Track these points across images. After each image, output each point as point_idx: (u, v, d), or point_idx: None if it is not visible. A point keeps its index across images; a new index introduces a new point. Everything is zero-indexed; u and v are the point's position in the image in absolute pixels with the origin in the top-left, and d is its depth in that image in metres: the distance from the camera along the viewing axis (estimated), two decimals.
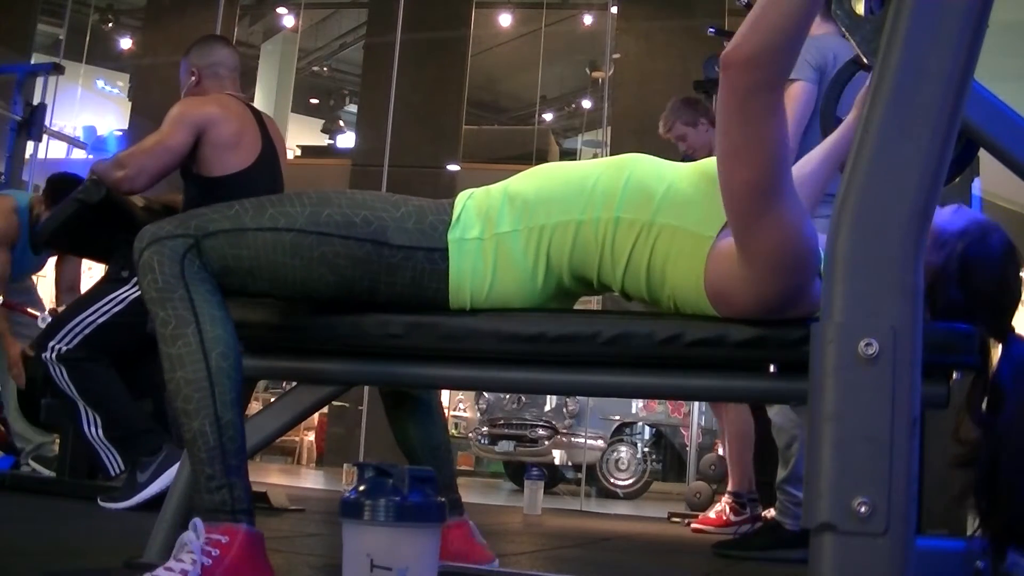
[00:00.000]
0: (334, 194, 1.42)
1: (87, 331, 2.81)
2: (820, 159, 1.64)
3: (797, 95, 2.82)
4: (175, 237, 1.37)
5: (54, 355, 2.78)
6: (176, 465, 2.66)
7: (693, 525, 3.91)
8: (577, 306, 1.58)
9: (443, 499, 1.64)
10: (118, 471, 2.78)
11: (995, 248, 1.39)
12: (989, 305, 1.37)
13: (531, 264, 1.38)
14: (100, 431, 2.77)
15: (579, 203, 1.37)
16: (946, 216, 1.42)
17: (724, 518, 3.71)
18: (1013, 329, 1.37)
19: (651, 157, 1.43)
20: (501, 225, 1.39)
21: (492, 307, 1.40)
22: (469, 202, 1.42)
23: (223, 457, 1.30)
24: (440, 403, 1.88)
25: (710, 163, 1.36)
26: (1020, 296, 1.41)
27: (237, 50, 3.20)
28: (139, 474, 2.71)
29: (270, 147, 3.02)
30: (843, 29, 1.37)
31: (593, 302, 6.84)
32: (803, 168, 1.62)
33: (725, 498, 3.81)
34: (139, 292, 2.79)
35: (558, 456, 7.08)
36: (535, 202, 1.39)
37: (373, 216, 1.38)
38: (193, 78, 3.06)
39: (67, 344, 2.78)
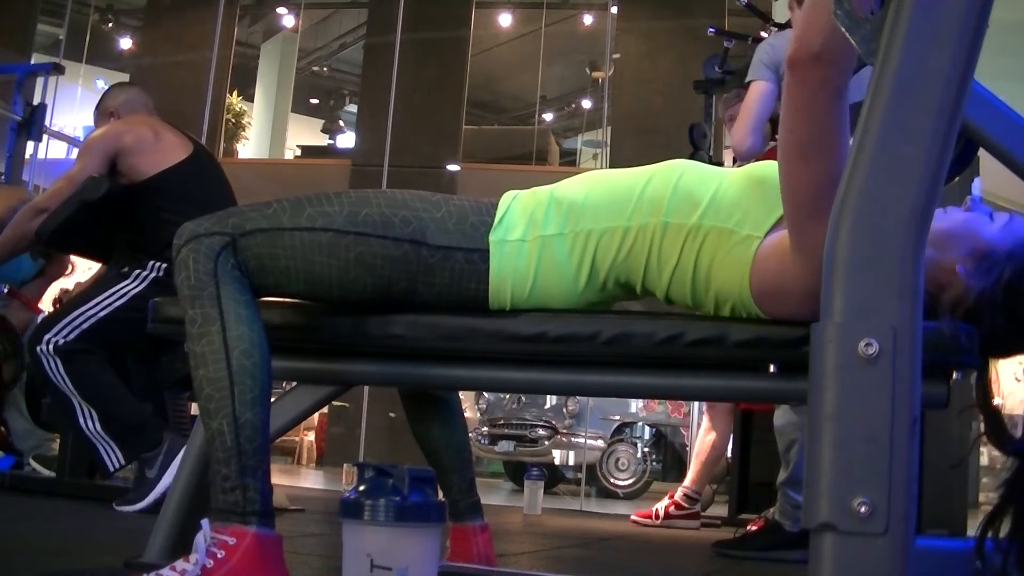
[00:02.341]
0: (374, 194, 1.41)
1: (85, 325, 2.79)
2: None
3: (754, 93, 2.91)
4: (212, 235, 1.36)
5: (50, 347, 2.75)
6: (182, 453, 2.66)
7: (632, 518, 4.15)
8: None
9: (463, 497, 1.67)
10: (117, 466, 2.76)
11: None
12: None
13: (575, 268, 1.38)
14: (97, 424, 2.75)
15: (627, 209, 1.37)
16: (996, 230, 1.34)
17: (662, 512, 4.02)
18: None
19: (699, 163, 1.43)
20: (547, 228, 1.38)
21: (532, 308, 1.39)
22: (514, 203, 1.42)
23: (239, 457, 1.29)
24: (458, 400, 1.87)
25: (757, 167, 1.37)
26: None
27: (148, 95, 3.30)
28: (147, 471, 2.69)
29: (202, 148, 3.12)
30: (843, 29, 1.36)
31: None
32: None
33: (678, 493, 4.08)
34: (140, 287, 2.82)
35: (558, 456, 7.08)
36: (583, 207, 1.39)
37: (412, 216, 1.37)
38: (112, 119, 3.13)
39: (64, 337, 2.76)
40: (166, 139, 3.00)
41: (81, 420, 2.75)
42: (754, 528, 3.20)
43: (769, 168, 1.36)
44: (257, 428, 1.31)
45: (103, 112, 3.18)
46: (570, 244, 1.38)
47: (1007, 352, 1.38)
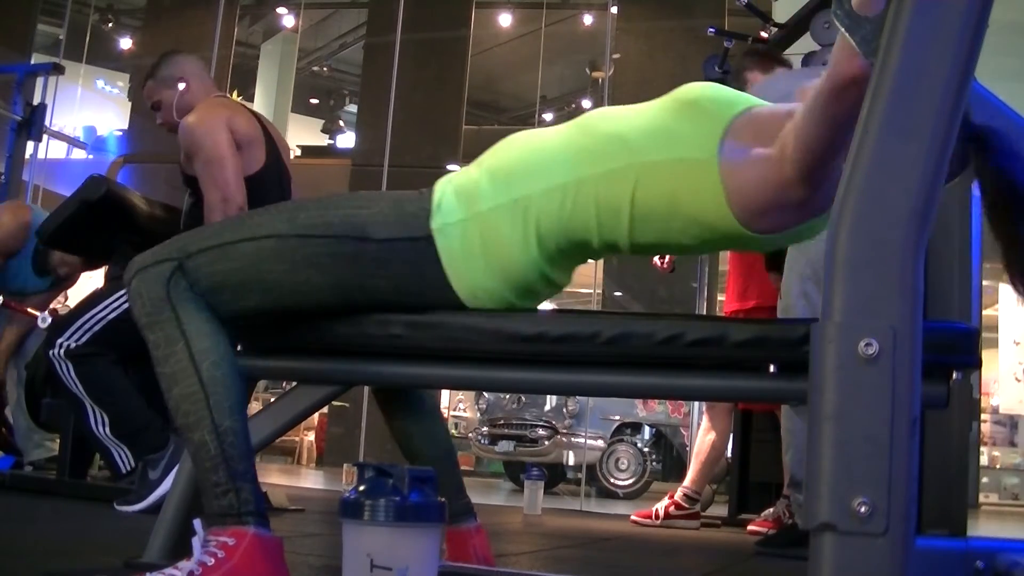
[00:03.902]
0: (309, 200, 1.42)
1: (96, 328, 2.79)
2: None
3: None
4: (159, 262, 1.38)
5: (61, 351, 2.76)
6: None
7: (632, 518, 4.16)
8: (577, 306, 1.58)
9: (454, 501, 1.64)
10: (129, 468, 2.77)
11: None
12: None
13: (521, 236, 1.36)
14: (108, 429, 2.76)
15: (561, 167, 1.36)
16: None
17: (662, 512, 4.02)
18: None
19: (611, 108, 1.43)
20: (483, 203, 1.37)
21: (497, 282, 1.38)
22: (448, 187, 1.41)
23: (227, 463, 1.29)
24: (438, 405, 1.85)
25: (682, 90, 1.37)
26: None
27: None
28: (151, 472, 2.70)
29: (275, 151, 2.95)
30: (843, 29, 1.37)
31: (593, 302, 6.84)
32: None
33: (678, 493, 4.09)
34: None
35: (558, 456, 7.08)
36: (515, 174, 1.38)
37: (351, 214, 1.37)
38: (182, 84, 2.95)
39: (76, 341, 2.77)
40: (255, 145, 2.84)
41: (92, 423, 2.76)
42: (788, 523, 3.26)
43: (696, 89, 1.37)
44: (239, 434, 1.32)
45: (165, 82, 2.96)
46: (510, 214, 1.36)
47: None
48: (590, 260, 1.48)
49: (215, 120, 2.74)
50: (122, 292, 2.81)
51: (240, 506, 1.28)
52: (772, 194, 1.28)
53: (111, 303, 2.83)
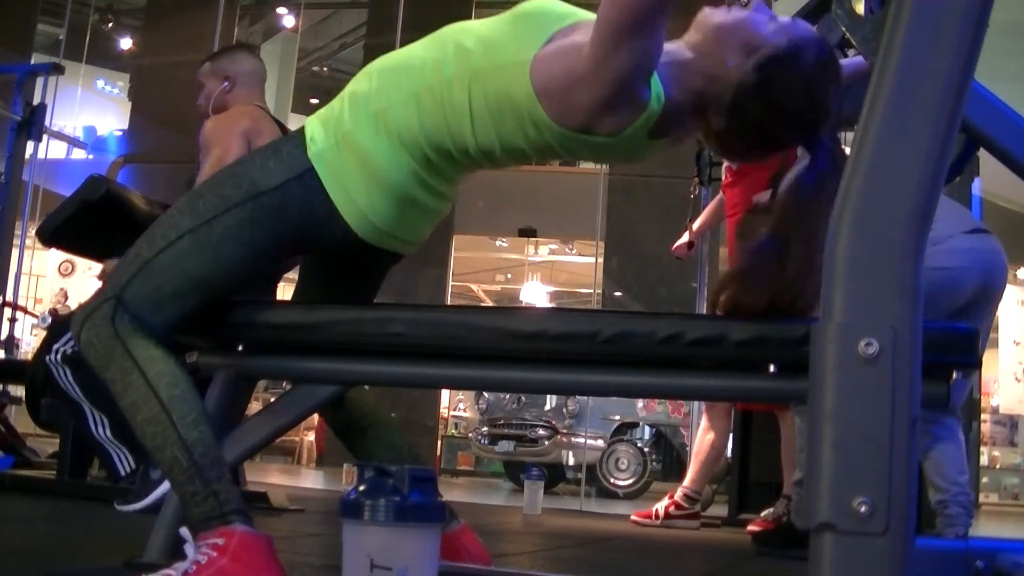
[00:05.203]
0: (201, 185, 1.49)
1: None
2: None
3: None
4: (99, 305, 1.43)
5: (58, 356, 2.77)
6: None
7: (632, 518, 4.16)
8: (577, 306, 1.58)
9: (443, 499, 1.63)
10: (128, 470, 2.77)
11: (805, 63, 1.36)
12: (794, 123, 1.38)
13: (388, 147, 1.42)
14: (108, 431, 2.76)
15: (409, 78, 1.43)
16: (772, 28, 1.38)
17: (662, 512, 4.02)
18: (823, 141, 1.38)
19: (467, 22, 1.50)
20: (348, 123, 1.44)
21: (379, 198, 1.42)
22: (315, 120, 1.49)
23: (200, 472, 1.33)
24: (383, 412, 1.81)
25: (522, 5, 1.44)
26: (830, 111, 1.39)
27: (264, 65, 3.16)
28: (152, 471, 2.70)
29: None
30: (844, 29, 1.37)
31: (593, 301, 6.83)
32: None
33: (678, 493, 4.09)
34: None
35: (558, 456, 7.07)
36: (373, 92, 1.45)
37: (239, 179, 1.44)
38: (226, 83, 3.01)
39: (73, 346, 2.77)
40: None
41: (92, 426, 2.77)
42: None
43: (533, 3, 1.44)
44: (208, 444, 1.36)
45: (216, 72, 3.03)
46: (373, 128, 1.43)
47: (777, 146, 1.44)
48: (467, 173, 1.52)
49: (234, 127, 2.80)
50: None
51: (222, 507, 1.31)
52: (570, 82, 1.32)
53: None
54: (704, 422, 4.12)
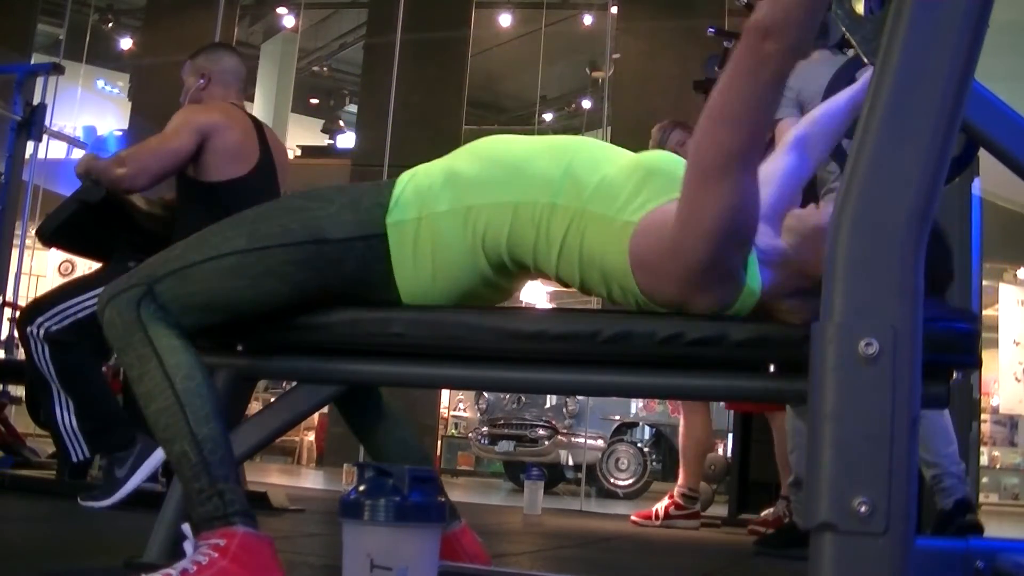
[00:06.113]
0: (269, 207, 1.45)
1: (80, 315, 2.75)
2: (842, 113, 1.63)
3: (779, 135, 2.84)
4: (129, 289, 1.42)
5: (40, 331, 2.72)
6: (154, 456, 2.65)
7: (632, 518, 4.16)
8: (577, 306, 1.59)
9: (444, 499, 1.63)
10: (80, 458, 2.75)
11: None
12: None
13: (468, 245, 1.40)
14: (72, 419, 2.72)
15: (517, 186, 1.39)
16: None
17: (662, 512, 4.03)
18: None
19: (595, 143, 1.46)
20: (438, 205, 1.40)
21: (440, 286, 1.40)
22: (410, 183, 1.44)
23: (207, 469, 1.32)
24: (395, 407, 1.79)
25: (651, 156, 1.39)
26: (951, 278, 1.39)
27: (243, 60, 3.18)
28: (117, 470, 2.68)
29: (268, 157, 3.01)
30: (843, 29, 1.37)
31: (593, 301, 6.83)
32: (821, 121, 1.63)
33: (676, 493, 4.09)
34: None
35: (558, 456, 7.07)
36: (474, 182, 1.41)
37: (309, 217, 1.41)
38: (202, 80, 3.05)
39: (57, 324, 2.73)
40: (244, 151, 2.92)
41: (56, 409, 2.73)
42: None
43: (662, 159, 1.39)
44: (218, 441, 1.35)
45: (195, 69, 3.08)
46: (462, 220, 1.39)
47: None
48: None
49: (191, 120, 2.85)
50: None
51: (226, 507, 1.31)
52: (662, 252, 1.27)
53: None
54: (682, 421, 4.16)
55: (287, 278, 1.40)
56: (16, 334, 4.03)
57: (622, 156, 1.43)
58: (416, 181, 1.44)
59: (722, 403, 4.65)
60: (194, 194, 2.87)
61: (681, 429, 4.18)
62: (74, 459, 2.76)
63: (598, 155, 1.41)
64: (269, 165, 3.01)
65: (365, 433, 1.76)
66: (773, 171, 1.55)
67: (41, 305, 2.79)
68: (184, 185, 2.91)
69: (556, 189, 1.37)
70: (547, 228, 1.37)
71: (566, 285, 1.44)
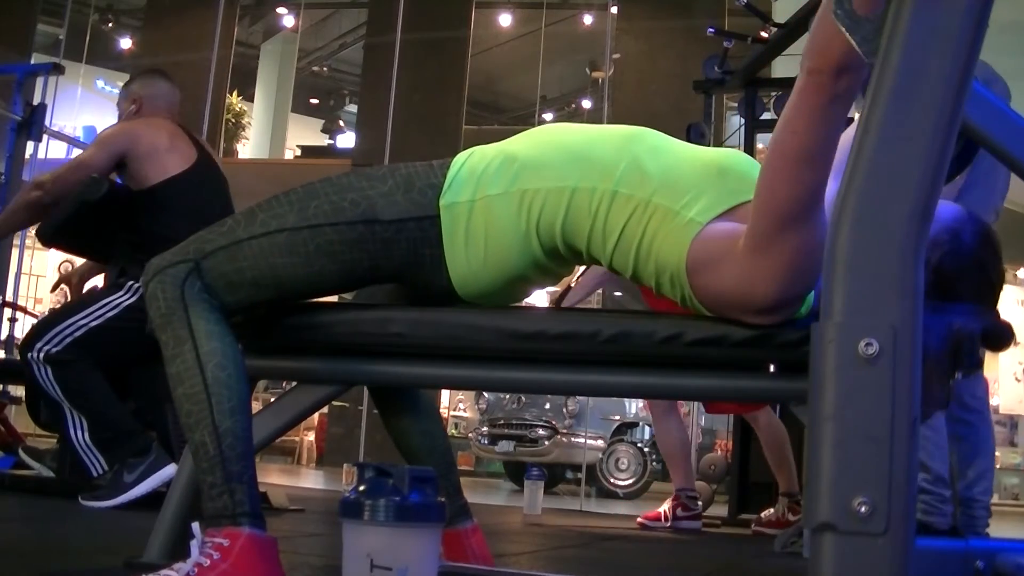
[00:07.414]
0: (321, 183, 1.42)
1: (77, 334, 2.79)
2: None
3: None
4: (176, 264, 1.39)
5: (40, 355, 2.75)
6: (165, 469, 2.68)
7: (639, 520, 4.12)
8: (576, 305, 1.59)
9: (450, 502, 1.63)
10: (100, 472, 2.77)
11: (968, 248, 1.31)
12: (978, 299, 1.31)
13: (523, 228, 1.37)
14: (86, 435, 2.75)
15: (576, 171, 1.37)
16: None
17: (668, 513, 3.99)
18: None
19: (658, 134, 1.43)
20: (493, 187, 1.38)
21: (491, 271, 1.39)
22: (466, 163, 1.42)
23: (223, 464, 1.31)
24: (436, 405, 1.84)
25: (723, 155, 1.36)
26: (1002, 282, 1.36)
27: (177, 88, 3.28)
28: (126, 474, 2.70)
29: (206, 155, 3.10)
30: (843, 29, 1.36)
31: (593, 301, 6.83)
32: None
33: (680, 497, 4.04)
34: (133, 299, 2.82)
35: (558, 456, 7.07)
36: (531, 165, 1.39)
37: (361, 196, 1.38)
38: (133, 106, 3.14)
39: (56, 345, 2.76)
40: (177, 147, 3.00)
41: (71, 428, 2.76)
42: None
43: (734, 159, 1.36)
44: (238, 436, 1.33)
45: (129, 96, 3.19)
46: (517, 203, 1.37)
47: None
48: None
49: (111, 142, 2.97)
50: (107, 300, 2.85)
51: (234, 507, 1.29)
52: (720, 255, 1.25)
53: (95, 311, 2.83)
54: (657, 426, 4.14)
55: (337, 257, 1.38)
56: (15, 333, 4.05)
57: (686, 148, 1.40)
58: (471, 163, 1.42)
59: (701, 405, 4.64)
60: (141, 204, 2.94)
61: (659, 436, 4.15)
62: (94, 474, 2.78)
63: (662, 146, 1.39)
64: (209, 161, 3.11)
65: (393, 418, 1.74)
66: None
67: (38, 332, 2.83)
68: (133, 208, 2.96)
69: (619, 177, 1.35)
70: (605, 216, 1.34)
71: (618, 273, 1.42)
